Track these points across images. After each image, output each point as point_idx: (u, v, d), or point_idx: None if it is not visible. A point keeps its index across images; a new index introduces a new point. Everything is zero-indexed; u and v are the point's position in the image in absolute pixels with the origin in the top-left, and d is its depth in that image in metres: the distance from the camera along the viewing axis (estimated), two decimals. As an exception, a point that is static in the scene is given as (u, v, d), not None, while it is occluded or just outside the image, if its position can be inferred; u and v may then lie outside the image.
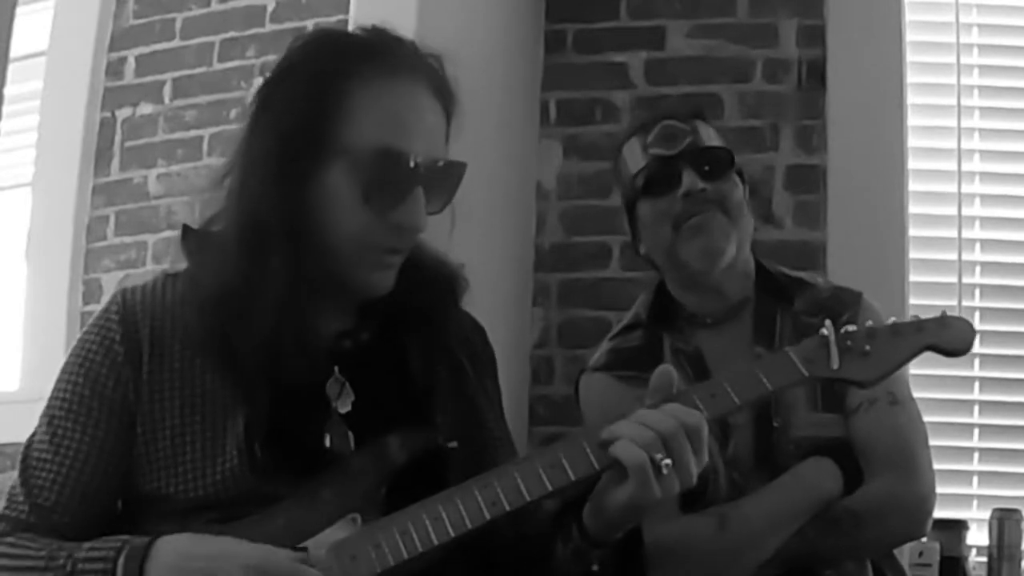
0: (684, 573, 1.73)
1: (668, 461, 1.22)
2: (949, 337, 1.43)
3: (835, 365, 1.36)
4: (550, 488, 1.26)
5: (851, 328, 1.39)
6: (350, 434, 1.36)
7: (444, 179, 1.40)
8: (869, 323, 1.41)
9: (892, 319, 1.43)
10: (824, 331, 1.38)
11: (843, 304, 1.88)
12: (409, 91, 1.37)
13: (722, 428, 1.79)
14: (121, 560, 1.22)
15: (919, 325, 1.43)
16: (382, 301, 1.43)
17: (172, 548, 1.23)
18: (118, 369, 1.36)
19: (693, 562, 1.74)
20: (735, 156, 1.92)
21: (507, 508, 1.25)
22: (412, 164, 1.34)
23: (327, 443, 1.35)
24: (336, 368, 1.40)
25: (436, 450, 1.35)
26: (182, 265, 1.44)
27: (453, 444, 1.36)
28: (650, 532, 1.68)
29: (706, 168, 1.86)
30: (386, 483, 1.30)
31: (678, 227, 1.86)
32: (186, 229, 1.44)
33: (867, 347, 1.38)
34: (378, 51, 1.39)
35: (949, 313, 1.44)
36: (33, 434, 1.38)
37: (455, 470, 1.34)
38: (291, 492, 1.30)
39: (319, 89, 1.35)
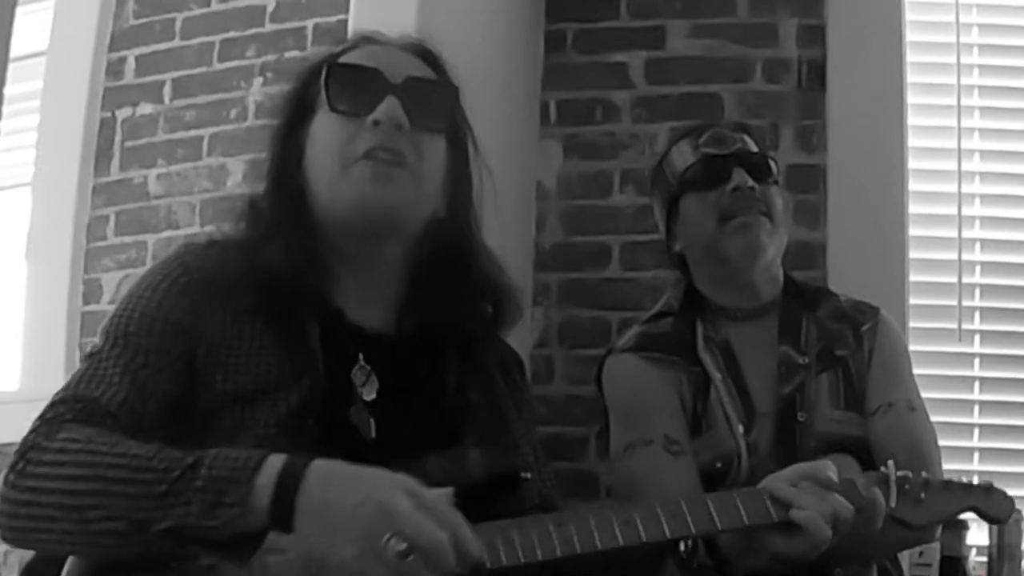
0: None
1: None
2: (992, 504, 1.59)
3: (893, 503, 1.50)
4: (621, 543, 1.30)
5: (907, 474, 1.52)
6: (372, 421, 1.38)
7: (425, 94, 1.47)
8: (924, 474, 1.54)
9: (947, 477, 1.60)
10: (884, 468, 1.52)
11: (863, 315, 1.99)
12: (384, 47, 1.51)
13: (748, 415, 1.88)
14: (271, 468, 1.17)
15: (968, 488, 1.58)
16: (422, 302, 1.46)
17: (326, 465, 1.18)
18: (185, 300, 1.37)
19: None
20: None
21: (578, 550, 1.28)
22: (380, 74, 1.44)
23: (350, 419, 1.36)
24: (361, 356, 1.41)
25: (508, 477, 1.35)
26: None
27: (527, 475, 1.39)
28: None
29: (753, 171, 1.96)
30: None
31: (724, 222, 1.95)
32: (252, 202, 1.50)
33: (922, 495, 1.52)
34: (360, 37, 1.56)
35: (996, 485, 1.60)
36: (93, 349, 1.36)
37: (513, 500, 1.34)
38: None
39: (311, 71, 1.51)
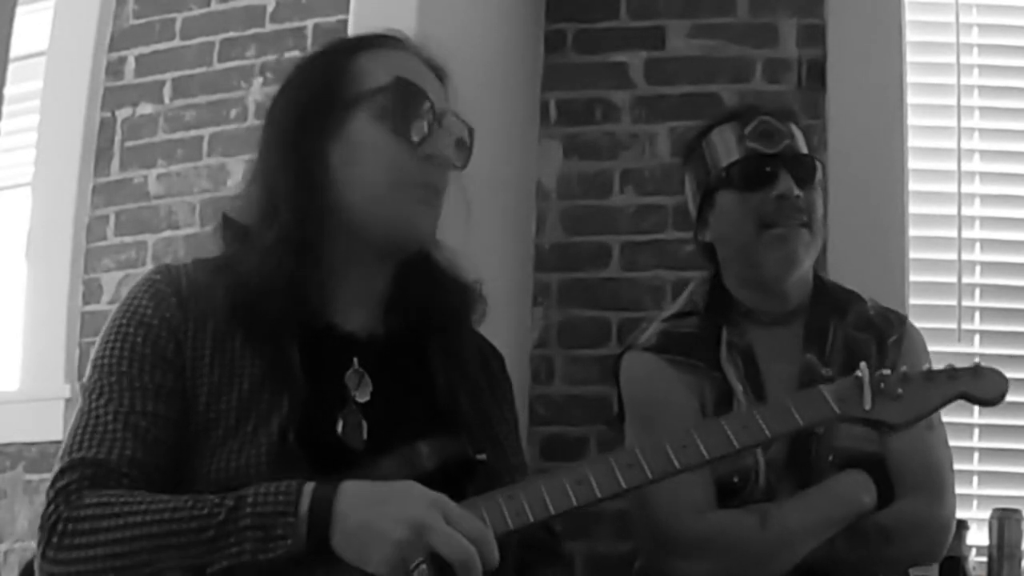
0: (724, 564, 1.77)
1: None
2: (982, 386, 1.48)
3: (867, 406, 1.41)
4: (575, 503, 1.28)
5: (886, 372, 1.43)
6: (364, 424, 1.38)
7: (459, 131, 1.48)
8: (903, 368, 1.45)
9: (927, 366, 1.48)
10: (859, 372, 1.41)
11: (890, 324, 1.94)
12: (408, 56, 1.49)
13: None
14: (306, 497, 1.20)
15: (952, 373, 1.47)
16: (405, 300, 1.47)
17: (355, 485, 1.22)
18: (164, 330, 1.36)
19: (734, 555, 1.77)
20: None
21: (531, 519, 1.27)
22: (429, 100, 1.43)
23: (339, 429, 1.36)
24: (355, 359, 1.42)
25: (463, 461, 1.36)
26: (212, 252, 1.47)
27: (482, 456, 1.38)
28: (692, 522, 1.75)
29: (799, 175, 1.89)
30: None
31: (763, 229, 1.88)
32: (226, 218, 1.47)
33: (900, 391, 1.42)
34: (376, 35, 1.52)
35: (983, 364, 1.48)
36: (87, 387, 1.35)
37: (477, 484, 1.34)
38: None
39: (330, 62, 1.47)
